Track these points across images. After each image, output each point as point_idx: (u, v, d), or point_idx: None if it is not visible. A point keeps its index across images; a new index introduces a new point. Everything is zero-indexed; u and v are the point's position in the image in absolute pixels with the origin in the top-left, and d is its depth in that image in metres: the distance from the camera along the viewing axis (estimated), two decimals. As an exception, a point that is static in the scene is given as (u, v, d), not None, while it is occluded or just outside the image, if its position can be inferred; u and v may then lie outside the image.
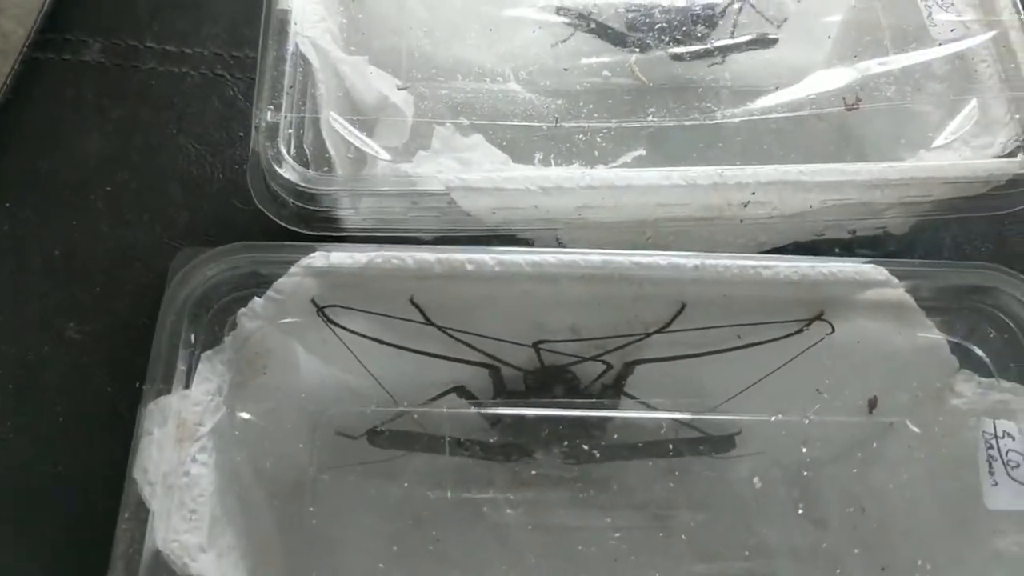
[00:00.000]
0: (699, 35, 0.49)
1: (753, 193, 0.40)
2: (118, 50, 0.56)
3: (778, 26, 0.51)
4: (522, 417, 0.40)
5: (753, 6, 0.51)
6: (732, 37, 0.51)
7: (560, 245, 0.43)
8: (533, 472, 0.40)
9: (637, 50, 0.46)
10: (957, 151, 0.43)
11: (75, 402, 0.46)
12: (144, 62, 0.56)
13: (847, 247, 0.47)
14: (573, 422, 0.40)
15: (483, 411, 0.40)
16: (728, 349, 0.40)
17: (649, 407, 0.41)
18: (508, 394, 0.41)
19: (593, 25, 0.50)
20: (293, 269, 0.38)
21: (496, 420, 0.40)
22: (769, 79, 0.48)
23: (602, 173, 0.40)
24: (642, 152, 0.44)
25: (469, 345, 0.40)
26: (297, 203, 0.40)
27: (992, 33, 0.45)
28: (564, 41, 0.50)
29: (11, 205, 0.51)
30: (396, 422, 0.41)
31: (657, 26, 0.47)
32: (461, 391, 0.41)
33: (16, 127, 0.53)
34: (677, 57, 0.49)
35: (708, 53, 0.50)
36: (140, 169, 0.53)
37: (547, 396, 0.41)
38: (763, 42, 0.51)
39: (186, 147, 0.54)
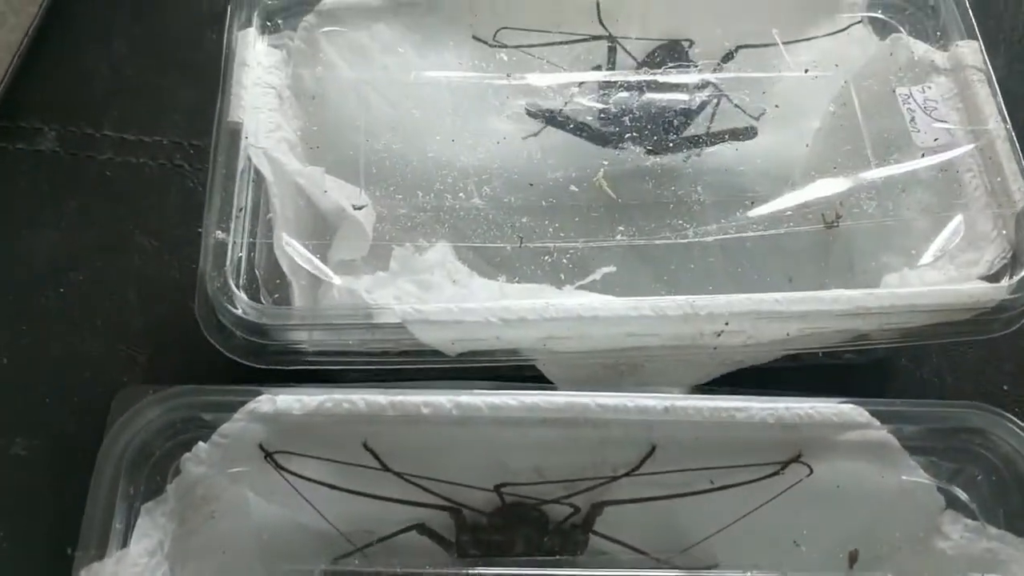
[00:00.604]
0: (676, 127, 0.47)
1: (727, 323, 0.38)
2: (74, 138, 0.54)
3: (756, 119, 0.49)
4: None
5: (732, 101, 0.49)
6: (710, 127, 0.49)
7: (533, 367, 0.41)
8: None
9: (606, 162, 0.44)
10: (942, 269, 0.41)
11: (20, 524, 0.44)
12: (101, 151, 0.54)
13: (831, 352, 0.44)
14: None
15: (445, 569, 0.38)
16: (701, 491, 0.38)
17: (620, 544, 0.39)
18: (471, 530, 0.39)
19: (569, 123, 0.48)
20: (237, 415, 0.36)
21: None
22: (747, 178, 0.47)
23: (566, 303, 0.38)
24: (612, 269, 0.42)
25: (427, 490, 0.37)
26: (247, 336, 0.38)
27: (978, 143, 0.43)
28: (535, 135, 0.48)
29: (-43, 308, 0.49)
30: (347, 560, 0.39)
31: (627, 135, 0.45)
32: (421, 528, 0.39)
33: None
34: (652, 152, 0.47)
35: (687, 144, 0.48)
36: (94, 268, 0.51)
37: (512, 535, 0.39)
38: (742, 133, 0.49)
39: (142, 244, 0.52)
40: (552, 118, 0.47)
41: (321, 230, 0.43)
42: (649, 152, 0.47)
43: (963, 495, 0.38)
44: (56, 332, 0.49)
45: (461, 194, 0.42)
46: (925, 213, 0.43)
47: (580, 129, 0.48)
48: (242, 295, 0.38)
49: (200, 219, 0.50)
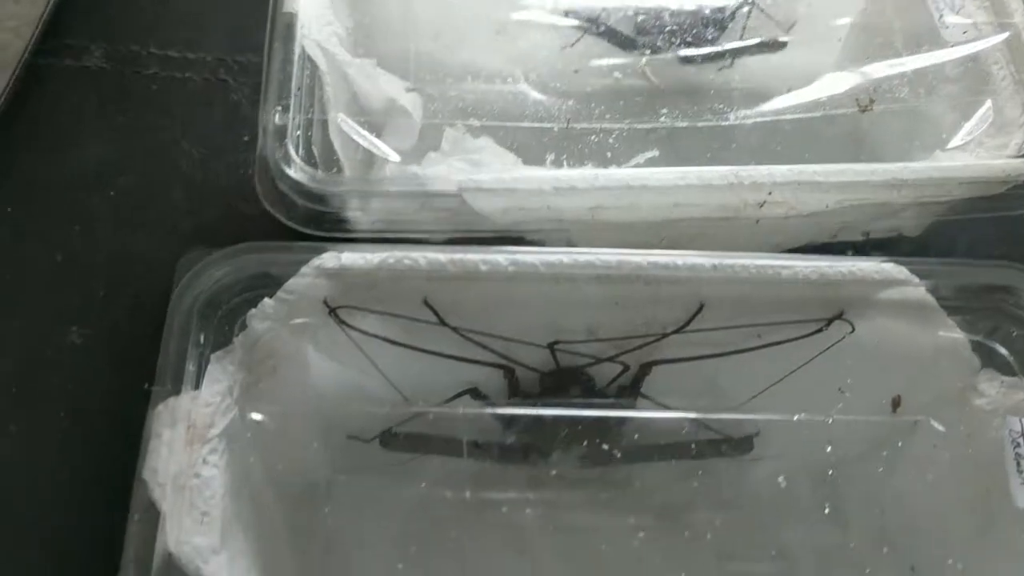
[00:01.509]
0: (709, 38, 0.49)
1: (769, 193, 0.40)
2: (120, 56, 0.56)
3: (787, 30, 0.51)
4: (539, 418, 0.39)
5: (762, 10, 0.50)
6: (741, 40, 0.50)
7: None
8: (552, 473, 0.39)
9: (648, 51, 0.46)
10: (972, 152, 0.43)
11: (78, 407, 0.45)
12: (146, 67, 0.56)
13: (861, 249, 0.46)
14: (591, 423, 0.39)
15: (498, 411, 0.39)
16: (747, 349, 0.39)
17: (667, 408, 0.40)
18: (523, 396, 0.41)
19: (602, 28, 0.49)
20: (304, 269, 0.37)
21: (511, 422, 0.39)
22: (779, 82, 0.48)
23: (616, 173, 0.40)
24: (655, 153, 0.43)
25: (483, 346, 0.39)
26: (306, 204, 0.39)
27: (1004, 35, 0.44)
28: (573, 44, 0.49)
29: (12, 210, 0.50)
30: (409, 424, 0.40)
31: (667, 29, 0.47)
32: (475, 393, 0.40)
33: (17, 134, 0.53)
34: (687, 60, 0.49)
35: (718, 56, 0.50)
36: (143, 174, 0.52)
37: (563, 398, 0.40)
38: (772, 46, 0.51)
39: (189, 152, 0.53)
40: (591, 22, 0.49)
41: (372, 124, 0.44)
42: (684, 62, 0.49)
43: (1001, 350, 0.39)
44: (107, 231, 0.50)
45: (508, 79, 0.44)
46: (954, 102, 0.44)
47: (615, 35, 0.49)
48: (301, 162, 0.39)
49: (246, 129, 0.53)
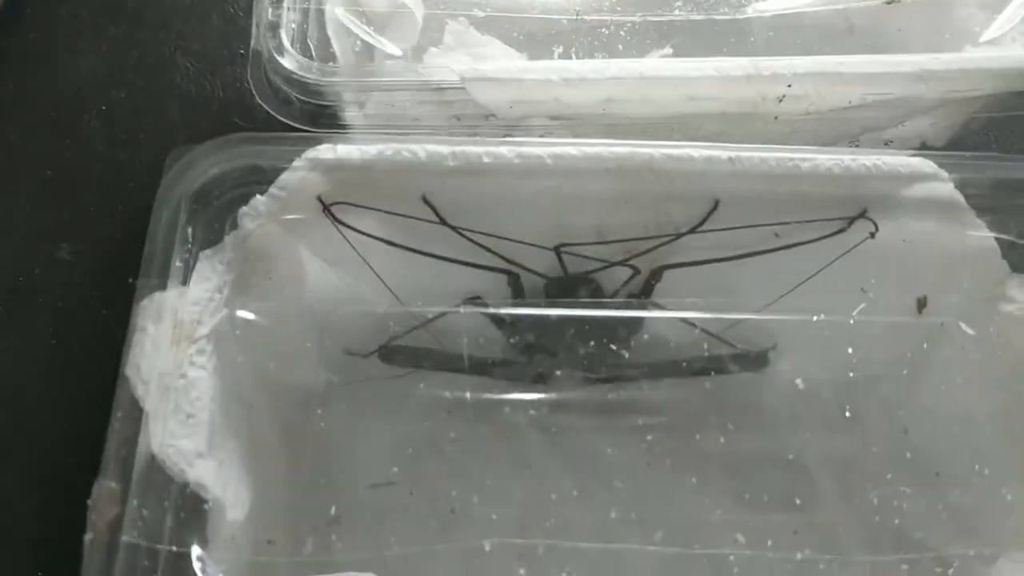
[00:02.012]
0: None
1: (789, 86, 0.38)
2: (112, -32, 0.54)
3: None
4: (544, 320, 0.37)
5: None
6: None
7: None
8: (557, 373, 0.37)
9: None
10: (1005, 47, 0.41)
11: (67, 324, 0.44)
12: (140, -21, 0.54)
13: (881, 157, 0.44)
14: (599, 325, 0.37)
15: (501, 311, 0.37)
16: (765, 251, 0.37)
17: (678, 318, 0.38)
18: (527, 305, 0.39)
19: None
20: (297, 162, 0.35)
21: (515, 326, 0.37)
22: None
23: (629, 63, 0.37)
24: (669, 51, 0.41)
25: (486, 248, 0.37)
26: (300, 97, 0.38)
27: (1040, -77, 0.42)
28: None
29: (2, 126, 0.48)
30: (409, 337, 0.39)
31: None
32: (477, 302, 0.38)
33: (9, 47, 0.51)
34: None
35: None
36: (136, 88, 0.50)
37: (570, 304, 0.38)
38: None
39: (184, 66, 0.51)
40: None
41: (370, 16, 0.42)
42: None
43: (1033, 253, 0.37)
44: (100, 146, 0.48)
45: (516, -30, 0.42)
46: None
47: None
48: (296, 53, 0.37)
49: (242, 42, 0.51)
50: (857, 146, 0.43)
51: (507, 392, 0.38)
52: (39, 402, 0.42)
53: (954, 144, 0.45)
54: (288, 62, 0.37)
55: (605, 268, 0.38)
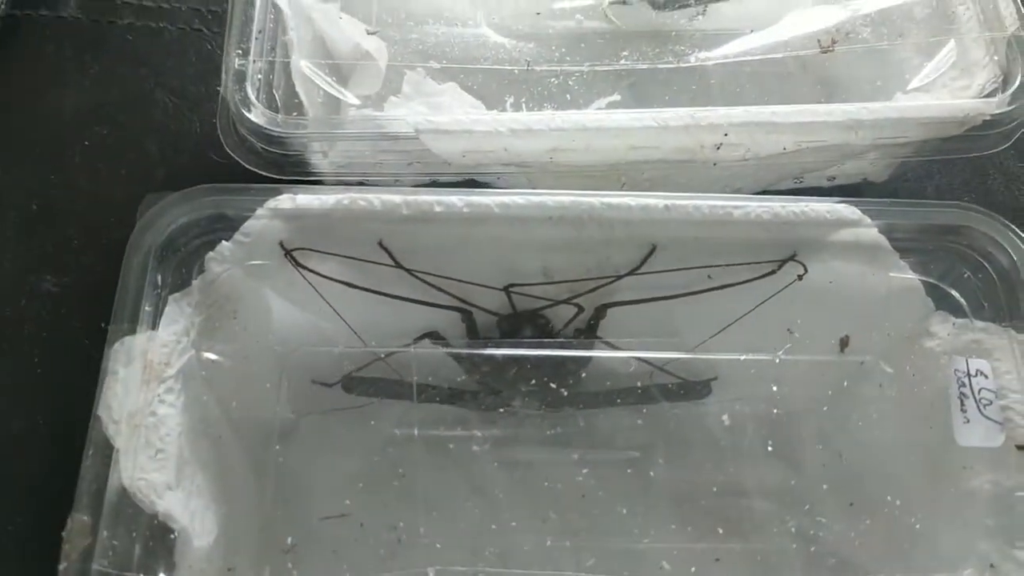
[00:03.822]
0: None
1: (726, 135, 0.40)
2: (95, 6, 0.56)
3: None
4: (493, 358, 0.39)
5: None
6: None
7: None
8: (502, 410, 0.40)
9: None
10: (934, 93, 0.43)
11: (52, 354, 0.46)
12: (121, 18, 0.56)
13: (826, 195, 0.46)
14: (545, 363, 0.40)
15: (453, 351, 0.40)
16: (700, 291, 0.39)
17: (622, 350, 0.41)
18: (482, 339, 0.41)
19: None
20: (260, 211, 0.38)
21: (467, 363, 0.40)
22: (744, 20, 0.48)
23: (573, 115, 0.40)
24: (616, 97, 0.44)
25: (440, 289, 0.39)
26: (266, 148, 0.40)
27: (970, -26, 0.44)
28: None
29: (-11, 160, 0.51)
30: (369, 368, 0.41)
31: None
32: (434, 336, 0.41)
33: (-5, 83, 0.53)
34: (656, 6, 0.49)
35: (688, 3, 0.50)
36: (117, 124, 0.52)
37: (519, 340, 0.41)
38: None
39: (163, 101, 0.53)
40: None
41: (335, 68, 0.44)
42: (654, 7, 0.49)
43: (954, 293, 0.39)
44: (83, 181, 0.51)
45: (470, 21, 0.44)
46: (919, 43, 0.44)
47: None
48: (261, 107, 0.40)
49: (220, 79, 0.53)
50: (801, 183, 0.45)
51: (457, 425, 0.40)
52: (25, 431, 0.44)
53: (895, 179, 0.47)
54: (254, 115, 0.39)
55: (551, 306, 0.40)
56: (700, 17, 0.50)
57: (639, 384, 0.41)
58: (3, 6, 0.55)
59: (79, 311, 0.47)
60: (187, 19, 0.56)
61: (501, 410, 0.40)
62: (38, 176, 0.51)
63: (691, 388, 0.42)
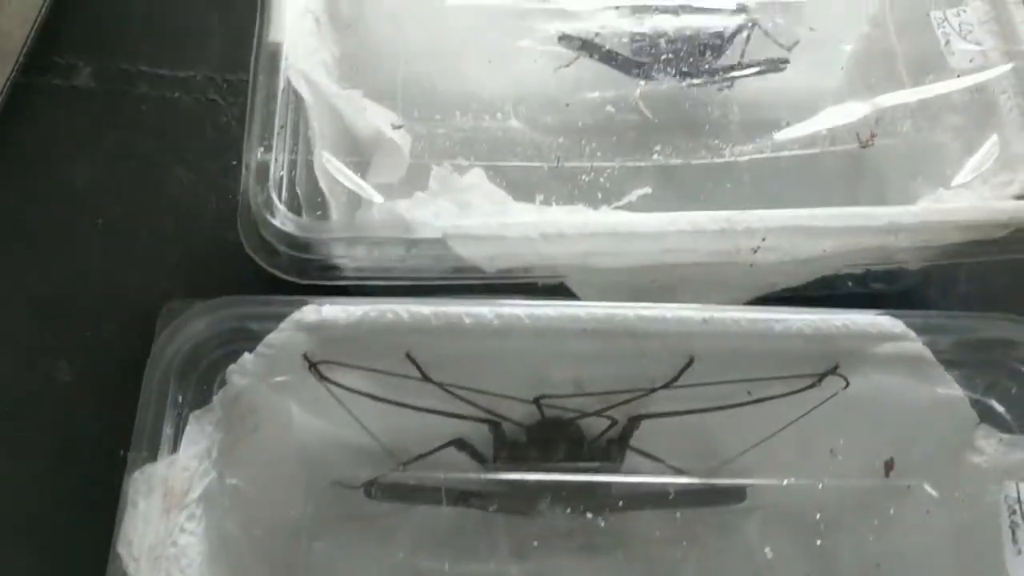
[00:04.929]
0: (706, 65, 0.48)
1: (763, 239, 0.39)
2: (109, 75, 0.55)
3: (789, 49, 0.49)
4: (522, 481, 0.38)
5: (765, 31, 0.49)
6: (741, 61, 0.49)
7: (567, 288, 0.41)
8: (535, 529, 0.39)
9: (642, 81, 0.45)
10: (976, 190, 0.42)
11: (65, 443, 0.45)
12: (136, 87, 0.55)
13: (861, 280, 0.45)
14: (575, 487, 0.38)
15: (481, 476, 0.38)
16: (738, 404, 0.38)
17: (656, 460, 0.39)
18: (510, 447, 0.40)
19: (596, 55, 0.48)
20: (283, 324, 0.36)
21: (496, 470, 0.39)
22: (777, 112, 0.47)
23: (605, 218, 0.39)
24: (648, 190, 0.42)
25: (468, 401, 0.38)
26: (289, 251, 0.39)
27: (1012, 64, 0.43)
28: (567, 66, 0.48)
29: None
30: (394, 475, 0.40)
31: (662, 57, 0.45)
32: (460, 444, 0.40)
33: (3, 156, 0.52)
34: (684, 78, 0.48)
35: (717, 73, 0.48)
36: (131, 201, 0.51)
37: (550, 450, 0.39)
38: (774, 64, 0.49)
39: (179, 177, 0.52)
40: (585, 46, 0.47)
41: (359, 153, 0.43)
42: (682, 80, 0.47)
43: (999, 407, 0.38)
44: (96, 262, 0.50)
45: (498, 114, 0.43)
46: (959, 135, 0.43)
47: (612, 58, 0.48)
48: (284, 209, 0.38)
49: (235, 152, 0.52)
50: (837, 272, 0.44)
51: (487, 549, 0.39)
52: (37, 526, 0.43)
53: (933, 266, 0.46)
54: (278, 220, 0.38)
55: (583, 417, 0.39)
56: (727, 90, 0.48)
57: (671, 491, 0.40)
58: (14, 73, 0.54)
59: (93, 400, 0.46)
60: (202, 88, 0.55)
61: (535, 529, 0.38)
62: (50, 259, 0.50)
63: (726, 492, 0.40)
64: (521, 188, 0.43)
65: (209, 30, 0.56)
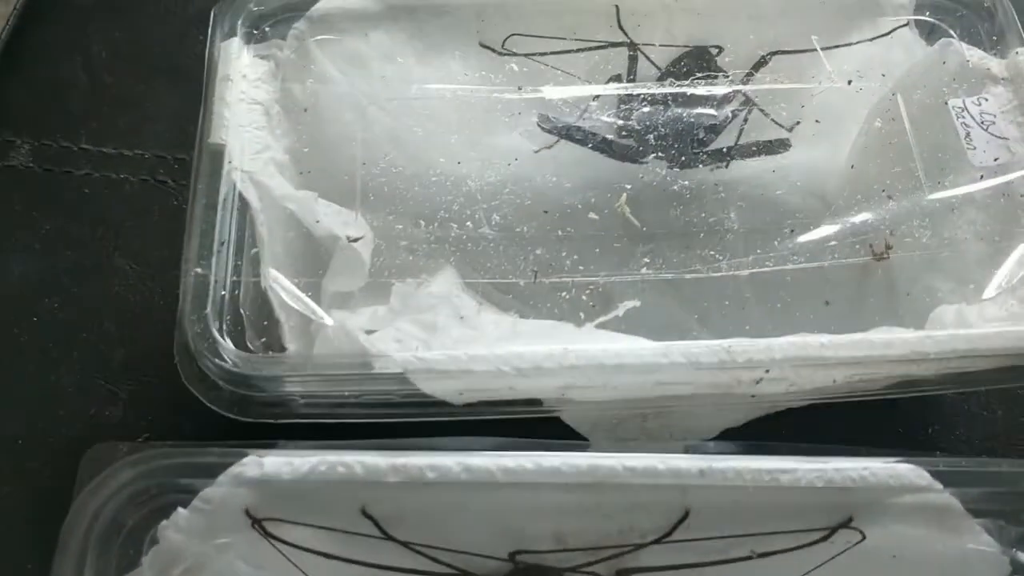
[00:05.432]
0: (702, 140, 0.43)
1: (767, 371, 0.34)
2: (49, 152, 0.50)
3: (789, 129, 0.45)
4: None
5: (763, 111, 0.44)
6: (739, 143, 0.45)
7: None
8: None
9: (628, 184, 0.40)
10: (1003, 304, 0.37)
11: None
12: (78, 166, 0.50)
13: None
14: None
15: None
16: (738, 559, 0.34)
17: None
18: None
19: (579, 136, 0.43)
20: (221, 478, 0.32)
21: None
22: (786, 195, 0.42)
23: (588, 349, 0.34)
24: (636, 303, 0.38)
25: (434, 559, 0.34)
26: (230, 387, 0.34)
27: (1039, 164, 0.38)
28: (549, 147, 0.44)
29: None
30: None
31: (654, 145, 0.41)
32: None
33: (-68, 245, 0.47)
34: (676, 165, 0.43)
35: (713, 158, 0.44)
36: (70, 295, 0.47)
37: (529, 603, 0.35)
38: (774, 146, 0.45)
39: (123, 268, 0.48)
40: (568, 132, 0.43)
41: (313, 262, 0.39)
42: (672, 166, 0.43)
43: (1033, 563, 0.34)
44: (29, 365, 0.45)
45: (468, 223, 0.38)
46: (983, 241, 0.39)
47: (598, 144, 0.43)
48: (226, 342, 0.34)
49: (184, 244, 0.47)
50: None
51: None
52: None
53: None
54: (221, 353, 0.34)
55: (564, 573, 0.35)
56: (722, 169, 0.44)
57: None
58: (-57, 152, 0.49)
59: (20, 521, 0.41)
60: (151, 168, 0.50)
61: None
62: (-20, 361, 0.45)
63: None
64: (495, 302, 0.38)
65: (160, 103, 0.52)
